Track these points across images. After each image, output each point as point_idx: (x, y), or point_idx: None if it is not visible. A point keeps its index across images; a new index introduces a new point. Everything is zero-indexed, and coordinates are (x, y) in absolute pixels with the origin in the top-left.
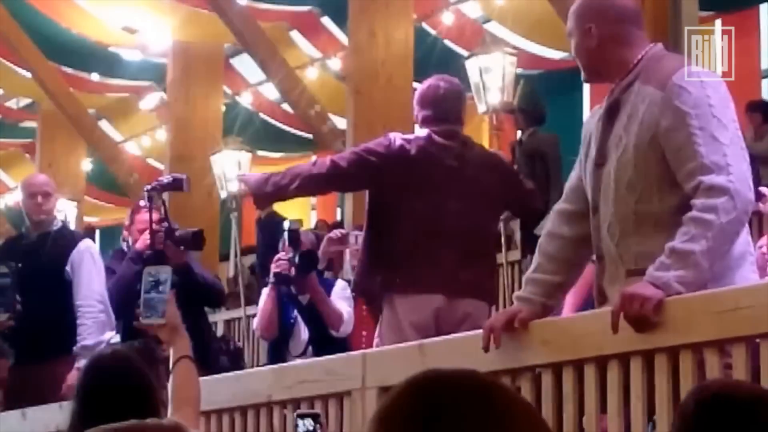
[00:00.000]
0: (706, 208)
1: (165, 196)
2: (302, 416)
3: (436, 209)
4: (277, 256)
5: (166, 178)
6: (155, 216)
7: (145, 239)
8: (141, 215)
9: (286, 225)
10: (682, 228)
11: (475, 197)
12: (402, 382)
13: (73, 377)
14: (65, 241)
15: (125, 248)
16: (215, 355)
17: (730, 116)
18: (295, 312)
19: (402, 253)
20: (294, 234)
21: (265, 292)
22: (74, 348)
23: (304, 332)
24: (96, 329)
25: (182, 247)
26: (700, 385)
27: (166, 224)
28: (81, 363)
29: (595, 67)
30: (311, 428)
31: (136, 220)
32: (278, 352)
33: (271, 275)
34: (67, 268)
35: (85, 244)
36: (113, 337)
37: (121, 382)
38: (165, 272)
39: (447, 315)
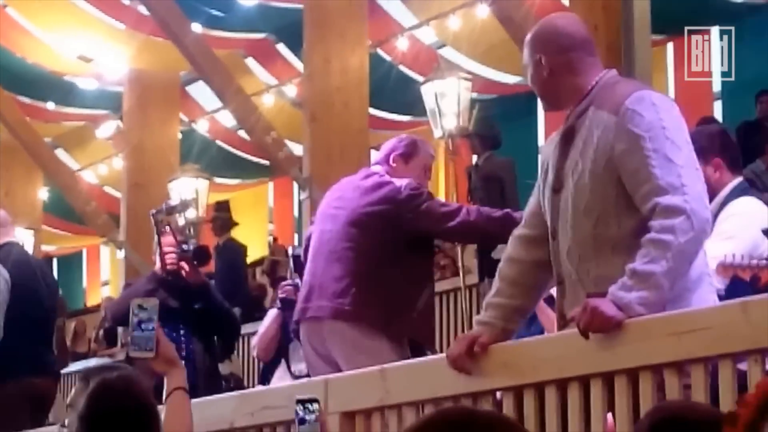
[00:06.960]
0: (664, 229)
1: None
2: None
3: None
4: (283, 282)
5: (172, 201)
6: (168, 239)
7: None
8: (165, 238)
9: (290, 251)
10: (642, 250)
11: None
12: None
13: None
14: None
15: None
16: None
17: (683, 138)
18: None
19: None
20: (298, 259)
21: (271, 315)
22: None
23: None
24: None
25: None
26: (656, 407)
27: (185, 246)
28: None
29: (550, 96)
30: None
31: (162, 242)
32: (269, 374)
33: (277, 300)
34: None
35: None
36: None
37: (127, 404)
38: (151, 306)
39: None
